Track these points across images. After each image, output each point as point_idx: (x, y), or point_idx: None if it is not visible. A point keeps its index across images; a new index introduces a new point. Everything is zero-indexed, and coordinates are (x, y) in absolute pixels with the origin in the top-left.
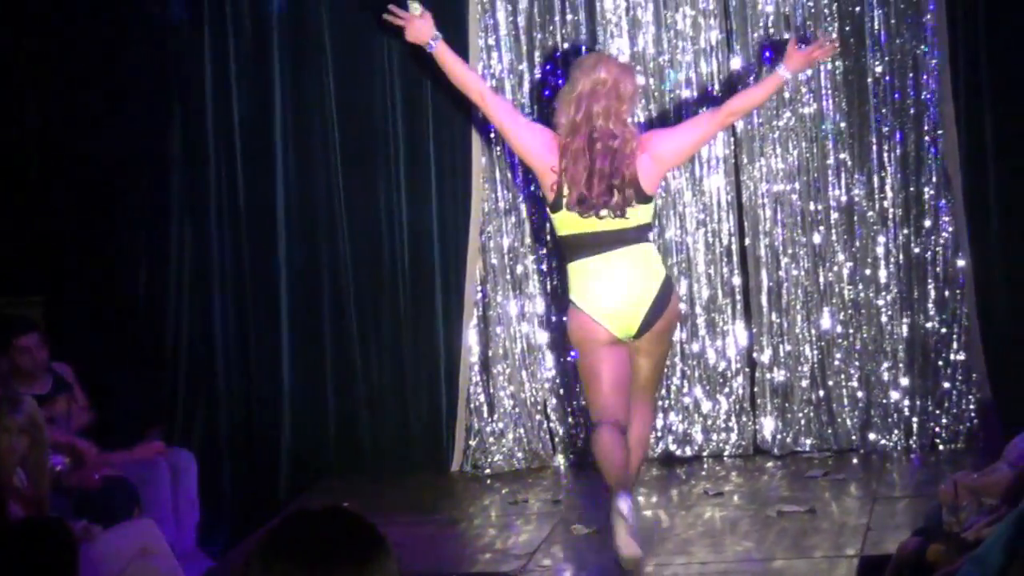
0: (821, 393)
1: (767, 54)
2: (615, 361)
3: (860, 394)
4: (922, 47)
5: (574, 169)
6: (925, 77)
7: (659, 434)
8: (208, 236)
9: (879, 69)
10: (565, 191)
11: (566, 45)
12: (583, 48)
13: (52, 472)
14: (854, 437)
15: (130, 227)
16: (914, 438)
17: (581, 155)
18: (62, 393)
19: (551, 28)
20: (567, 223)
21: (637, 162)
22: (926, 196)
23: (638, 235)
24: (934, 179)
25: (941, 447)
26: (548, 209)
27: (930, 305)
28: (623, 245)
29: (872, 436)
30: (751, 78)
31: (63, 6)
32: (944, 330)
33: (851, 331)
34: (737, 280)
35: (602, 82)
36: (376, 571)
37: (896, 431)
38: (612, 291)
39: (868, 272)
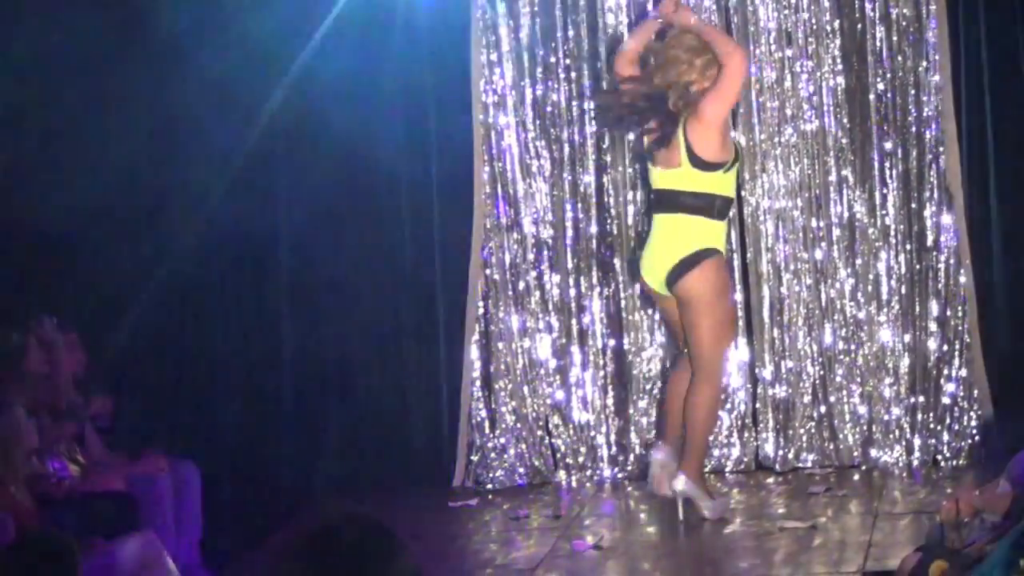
0: (823, 409)
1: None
2: None
3: (862, 410)
4: (924, 64)
5: None
6: (927, 94)
7: None
8: (209, 247)
9: (881, 86)
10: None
11: (567, 61)
12: (584, 65)
13: (60, 485)
14: (856, 453)
15: (129, 242)
16: (916, 454)
17: None
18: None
19: (553, 44)
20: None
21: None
22: (927, 213)
23: None
24: (936, 196)
25: (943, 464)
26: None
27: (931, 322)
28: None
29: (874, 452)
30: (753, 93)
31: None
32: (946, 347)
33: (853, 347)
34: (739, 296)
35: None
36: (398, 571)
37: (897, 447)
38: None
39: (870, 288)
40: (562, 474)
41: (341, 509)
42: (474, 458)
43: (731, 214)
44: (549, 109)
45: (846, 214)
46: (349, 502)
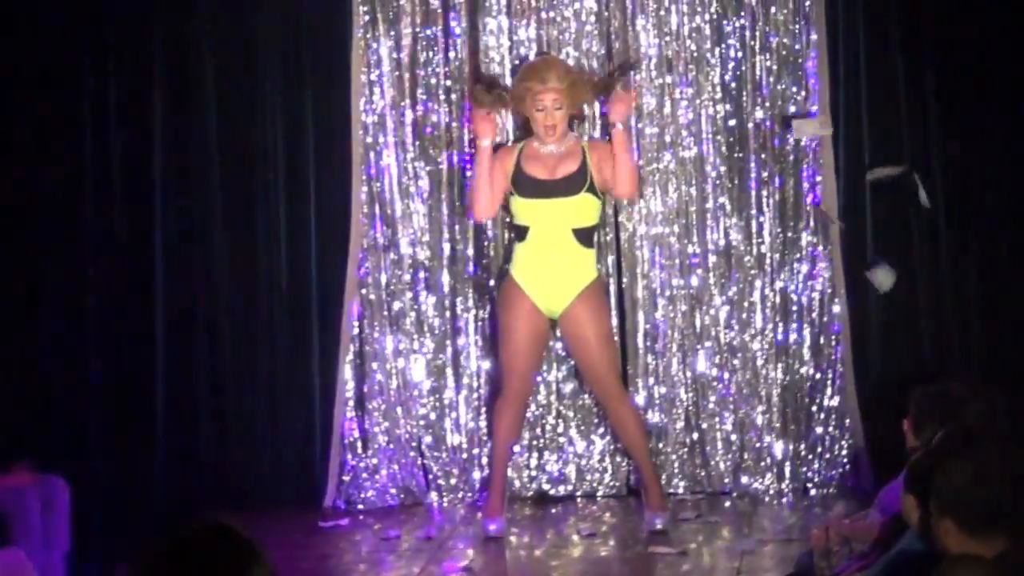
0: (695, 435)
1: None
2: None
3: (733, 437)
4: (802, 94)
5: None
6: None
7: (533, 473)
8: (84, 263)
9: (760, 115)
10: None
11: (448, 82)
12: (465, 87)
13: None
14: (727, 480)
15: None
16: (786, 482)
17: None
18: None
19: (434, 65)
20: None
21: None
22: (803, 242)
23: None
24: (812, 225)
25: (813, 492)
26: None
27: (805, 350)
28: None
29: (745, 479)
30: (633, 119)
31: None
32: (818, 375)
33: (726, 374)
34: (614, 321)
35: None
36: None
37: (769, 475)
38: None
39: (744, 316)
40: (434, 495)
41: (203, 519)
42: (346, 478)
43: (607, 239)
44: (429, 130)
45: (722, 241)
46: (216, 515)
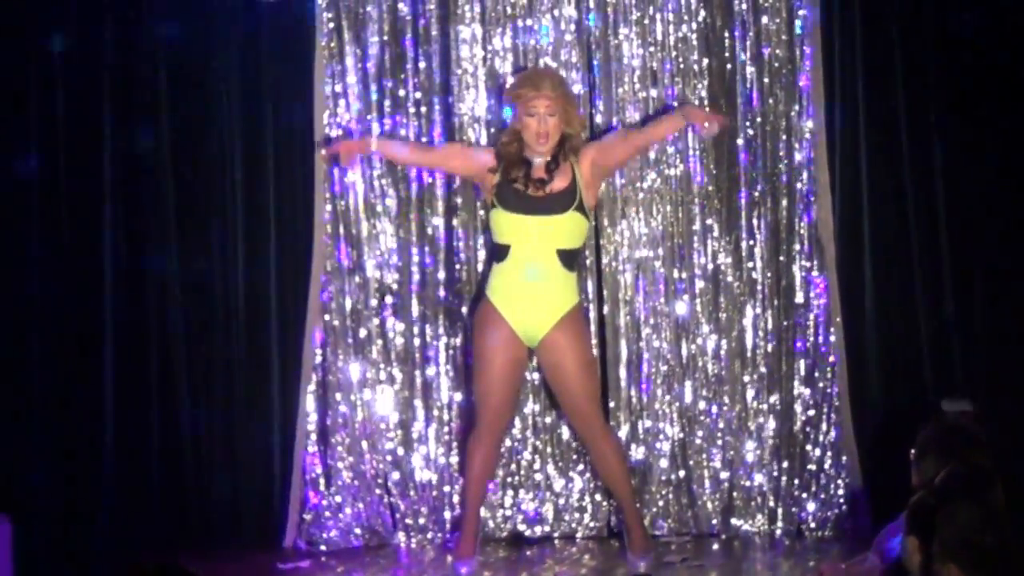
0: (681, 473)
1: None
2: None
3: (723, 475)
4: (796, 108)
5: None
6: (799, 141)
7: (508, 513)
8: (29, 283)
9: (750, 131)
10: None
11: (418, 95)
12: (435, 99)
13: None
14: (715, 521)
15: None
16: (779, 524)
17: None
18: None
19: (402, 76)
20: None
21: None
22: (797, 266)
23: None
24: (806, 248)
25: (808, 534)
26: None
27: (799, 382)
28: None
29: (734, 521)
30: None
31: None
32: (813, 410)
33: (714, 408)
34: (595, 351)
35: None
36: None
37: (760, 516)
38: None
39: (734, 345)
40: (401, 536)
41: (156, 562)
42: (307, 517)
43: (588, 263)
44: None
45: (710, 265)
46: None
